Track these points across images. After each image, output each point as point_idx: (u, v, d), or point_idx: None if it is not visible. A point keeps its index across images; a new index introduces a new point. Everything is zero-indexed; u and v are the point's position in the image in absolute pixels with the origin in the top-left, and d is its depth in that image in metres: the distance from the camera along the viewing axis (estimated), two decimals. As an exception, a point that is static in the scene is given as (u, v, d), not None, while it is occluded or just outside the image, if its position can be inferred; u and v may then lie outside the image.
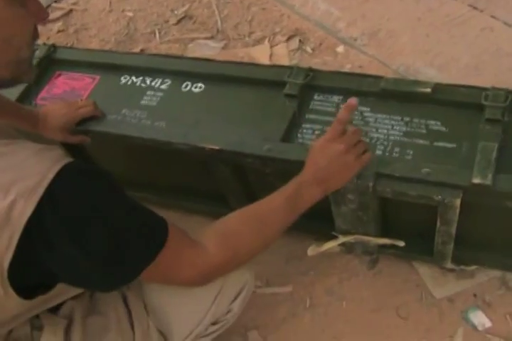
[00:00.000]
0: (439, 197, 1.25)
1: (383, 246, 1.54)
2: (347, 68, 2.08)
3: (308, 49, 2.17)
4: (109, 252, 0.91)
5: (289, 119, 1.44)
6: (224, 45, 2.26)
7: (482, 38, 2.04)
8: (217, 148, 1.40)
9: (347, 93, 1.47)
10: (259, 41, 2.25)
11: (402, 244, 1.49)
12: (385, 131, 1.40)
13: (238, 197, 1.58)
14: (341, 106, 1.45)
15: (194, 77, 1.59)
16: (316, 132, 1.42)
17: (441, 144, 1.35)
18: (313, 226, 1.60)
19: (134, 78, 1.64)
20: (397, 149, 1.37)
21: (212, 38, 2.29)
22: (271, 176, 1.44)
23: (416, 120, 1.40)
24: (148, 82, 1.62)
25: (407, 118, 1.41)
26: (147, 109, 1.55)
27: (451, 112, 1.39)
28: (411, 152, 1.35)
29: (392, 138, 1.38)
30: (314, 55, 2.15)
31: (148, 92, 1.59)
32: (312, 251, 1.53)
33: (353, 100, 1.19)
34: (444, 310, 1.52)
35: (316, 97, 1.49)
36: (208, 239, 1.08)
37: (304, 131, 1.43)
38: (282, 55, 2.17)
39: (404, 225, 1.50)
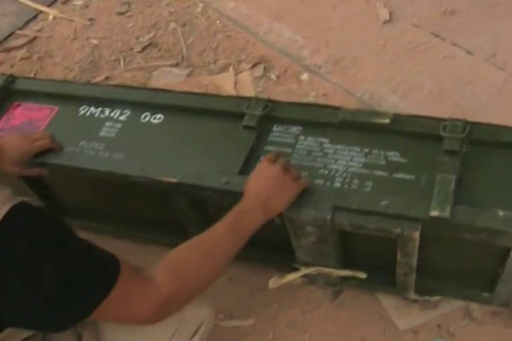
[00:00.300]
0: (398, 230, 1.24)
1: (346, 278, 1.52)
2: (311, 96, 2.07)
3: (273, 76, 2.16)
4: (59, 291, 0.90)
5: (247, 151, 1.42)
6: (189, 73, 2.25)
7: (444, 66, 2.05)
8: (174, 181, 1.38)
9: (306, 124, 1.46)
10: (223, 68, 2.24)
11: (363, 275, 1.47)
12: (344, 163, 1.39)
13: (198, 229, 1.54)
14: (301, 137, 1.44)
15: (153, 107, 1.57)
16: (275, 164, 1.40)
17: (400, 176, 1.34)
18: (275, 257, 1.59)
19: (92, 109, 1.61)
20: (356, 181, 1.35)
21: (177, 65, 2.28)
22: (229, 209, 1.42)
23: (375, 151, 1.39)
24: (107, 112, 1.60)
25: (366, 150, 1.40)
26: (105, 141, 1.53)
27: (410, 143, 1.39)
28: (370, 184, 1.34)
29: (351, 169, 1.37)
30: (279, 83, 2.14)
31: (107, 123, 1.57)
32: (274, 283, 1.51)
33: None
34: (408, 341, 1.50)
35: (275, 129, 1.47)
36: (158, 271, 1.07)
37: (262, 163, 1.41)
38: (247, 82, 2.16)
39: (366, 256, 1.49)
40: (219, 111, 1.51)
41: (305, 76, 2.14)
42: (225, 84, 2.17)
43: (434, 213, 1.21)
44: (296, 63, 2.19)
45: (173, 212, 1.53)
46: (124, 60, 2.33)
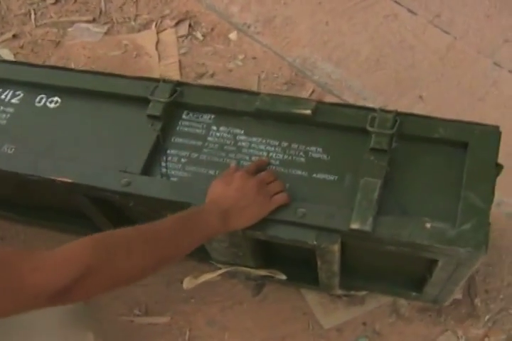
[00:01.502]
0: (315, 242, 1.11)
1: (267, 276, 1.40)
2: (239, 59, 1.89)
3: (199, 35, 1.96)
4: None
5: (152, 144, 1.25)
6: (107, 30, 2.02)
7: (385, 27, 1.87)
8: (69, 181, 1.21)
9: (219, 112, 1.29)
10: (145, 26, 2.02)
11: (283, 277, 1.37)
12: (260, 159, 1.23)
13: (104, 223, 1.41)
14: (213, 127, 1.27)
15: (50, 89, 1.37)
16: (183, 160, 1.24)
17: (321, 176, 1.20)
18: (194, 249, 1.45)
19: (-19, 89, 1.41)
20: (272, 182, 1.20)
21: (94, 21, 2.05)
22: (138, 206, 1.27)
23: (295, 145, 1.24)
24: (-4, 94, 1.39)
25: (285, 143, 1.24)
26: (-5, 129, 1.33)
27: (334, 137, 1.24)
28: (287, 185, 1.19)
29: (266, 168, 1.22)
30: (205, 43, 1.94)
31: (-3, 108, 1.37)
32: (188, 283, 1.39)
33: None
34: (332, 340, 1.41)
35: (184, 116, 1.30)
36: (81, 240, 0.93)
37: (169, 158, 1.25)
38: (170, 42, 1.96)
39: (288, 254, 1.37)
40: (123, 95, 1.33)
41: (233, 35, 1.95)
42: (147, 44, 1.96)
43: (355, 226, 1.09)
44: (225, 20, 1.98)
45: (77, 206, 1.37)
46: (36, 14, 2.08)
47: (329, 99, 1.73)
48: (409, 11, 1.89)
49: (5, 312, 0.86)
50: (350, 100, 1.71)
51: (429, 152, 1.19)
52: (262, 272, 1.37)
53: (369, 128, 1.18)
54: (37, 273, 0.86)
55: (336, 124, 1.23)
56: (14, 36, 2.03)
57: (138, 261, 0.97)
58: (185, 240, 1.05)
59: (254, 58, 1.88)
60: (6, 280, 0.84)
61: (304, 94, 1.76)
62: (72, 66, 1.94)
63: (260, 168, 1.20)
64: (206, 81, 1.84)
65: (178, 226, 1.03)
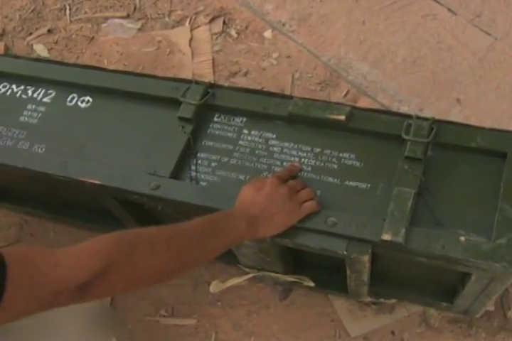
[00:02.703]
0: (344, 252, 1.09)
1: (295, 282, 1.38)
2: (273, 58, 1.86)
3: (233, 32, 1.94)
4: None
5: (182, 147, 1.24)
6: (141, 26, 2.01)
7: (423, 28, 1.83)
8: (98, 182, 1.21)
9: (251, 115, 1.27)
10: (179, 22, 2.00)
11: (311, 284, 1.35)
12: (291, 165, 1.21)
13: (132, 224, 1.40)
14: (244, 131, 1.26)
15: (81, 88, 1.37)
16: (213, 164, 1.23)
17: (353, 184, 1.18)
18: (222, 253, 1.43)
19: (14, 87, 1.41)
20: (302, 189, 1.18)
21: (128, 16, 2.04)
22: (166, 209, 1.26)
23: (327, 151, 1.22)
24: (30, 92, 1.39)
25: (317, 149, 1.22)
26: (26, 128, 1.34)
27: (368, 144, 1.22)
28: (318, 192, 1.17)
29: (298, 173, 1.20)
30: (239, 40, 1.92)
31: (29, 106, 1.37)
32: (215, 287, 1.38)
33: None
34: (360, 349, 1.39)
35: (215, 119, 1.29)
36: (105, 236, 0.93)
37: (199, 161, 1.24)
38: (204, 39, 1.94)
39: (317, 261, 1.35)
40: (154, 96, 1.32)
41: (268, 33, 1.92)
42: (180, 40, 1.94)
43: (386, 236, 1.06)
44: (259, 18, 1.95)
45: (105, 206, 1.37)
46: (70, 9, 2.08)
47: (364, 100, 1.70)
48: (449, 10, 1.84)
49: (28, 310, 0.85)
50: (385, 102, 1.68)
51: (466, 162, 1.16)
52: (290, 278, 1.36)
53: (404, 136, 1.15)
54: (59, 268, 0.86)
55: (370, 131, 1.21)
56: (49, 31, 2.03)
57: (161, 260, 0.96)
58: (211, 243, 1.03)
59: (288, 57, 1.86)
60: (28, 276, 0.83)
61: (338, 95, 1.73)
62: (105, 62, 1.93)
63: (292, 173, 1.18)
64: (239, 79, 1.82)
65: (205, 229, 1.02)
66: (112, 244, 0.92)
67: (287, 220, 1.09)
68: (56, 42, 2.00)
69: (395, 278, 1.34)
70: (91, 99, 1.36)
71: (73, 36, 2.01)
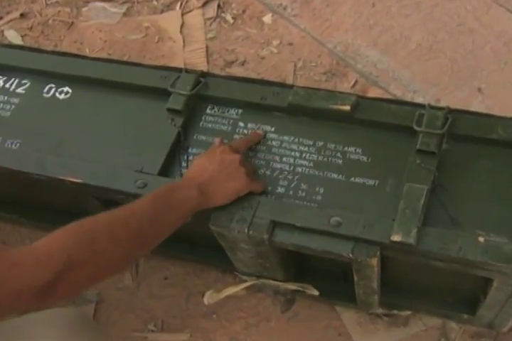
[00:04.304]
0: (350, 255, 1.12)
1: (298, 290, 1.41)
2: (274, 45, 1.90)
3: (229, 18, 1.98)
4: None
5: (172, 142, 1.28)
6: (126, 11, 2.05)
7: (440, 8, 1.86)
8: (79, 181, 1.24)
9: (247, 106, 1.31)
10: (169, 6, 2.04)
11: (316, 292, 1.37)
12: (292, 161, 1.26)
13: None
14: (240, 124, 1.30)
15: (59, 78, 1.41)
16: (205, 160, 1.26)
17: (359, 180, 1.21)
18: (216, 259, 1.47)
19: (-17, 77, 1.45)
20: (304, 186, 1.23)
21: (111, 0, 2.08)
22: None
23: (331, 145, 1.25)
24: (1, 83, 1.44)
25: (320, 143, 1.26)
26: (-2, 122, 1.37)
27: (376, 136, 1.25)
28: (321, 190, 1.21)
29: (299, 170, 1.24)
30: (236, 26, 1.96)
31: (1, 98, 1.41)
32: (210, 298, 1.41)
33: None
34: (370, 367, 1.42)
35: (208, 111, 1.32)
36: (56, 232, 0.98)
37: (191, 157, 1.28)
38: (196, 25, 1.98)
39: (321, 267, 1.38)
40: (141, 86, 1.36)
41: (268, 18, 1.96)
42: (170, 27, 1.99)
43: (397, 237, 1.09)
44: (258, 1, 1.99)
45: (87, 209, 1.40)
46: (47, -9, 2.13)
47: (374, 91, 1.73)
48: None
49: None
50: (398, 93, 1.71)
51: (485, 155, 1.19)
52: (292, 286, 1.38)
53: (416, 127, 1.19)
54: (17, 269, 0.89)
55: (378, 122, 1.24)
56: (22, 16, 2.07)
57: (123, 247, 1.01)
58: (166, 218, 1.08)
59: (290, 44, 1.90)
60: None
61: (346, 85, 1.77)
62: (87, 51, 1.97)
63: (249, 144, 1.25)
64: (236, 70, 1.85)
65: (157, 205, 1.07)
66: (71, 240, 0.96)
67: (239, 187, 1.15)
68: (31, 28, 2.04)
69: (409, 286, 1.37)
70: (70, 90, 1.40)
71: (50, 21, 2.05)
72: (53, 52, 1.47)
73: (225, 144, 1.21)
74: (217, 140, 1.24)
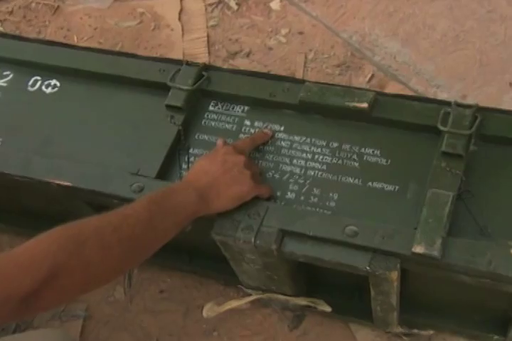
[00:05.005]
0: (367, 268, 1.13)
1: (308, 306, 1.43)
2: (282, 34, 1.91)
3: (233, 3, 1.99)
4: None
5: (171, 142, 1.29)
6: (118, -6, 2.07)
7: (468, -6, 1.88)
8: (68, 184, 1.26)
9: (254, 103, 1.32)
10: (166, -11, 2.06)
11: (328, 309, 1.39)
12: (303, 163, 1.27)
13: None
14: (246, 122, 1.31)
15: (46, 70, 1.42)
16: (208, 162, 1.28)
17: (377, 185, 1.23)
18: (218, 271, 1.51)
19: (-39, 69, 1.47)
20: (316, 191, 1.24)
21: (102, -18, 2.10)
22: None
23: (346, 146, 1.27)
24: (-19, 75, 1.45)
25: (334, 144, 1.27)
26: (-23, 118, 1.39)
27: (396, 137, 1.27)
28: (335, 196, 1.22)
29: (311, 173, 1.26)
30: (240, 13, 1.97)
31: (-19, 92, 1.43)
32: (209, 311, 1.43)
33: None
34: None
35: (211, 108, 1.34)
36: (43, 237, 0.99)
37: (192, 158, 1.29)
38: (197, 11, 1.99)
39: (334, 280, 1.40)
40: (136, 80, 1.37)
41: (275, 4, 1.98)
42: (167, 13, 2.00)
43: (419, 249, 1.10)
44: (265, -15, 2.01)
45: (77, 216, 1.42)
46: (29, -30, 2.14)
47: (393, 86, 1.74)
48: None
49: None
50: (420, 88, 1.73)
51: (516, 158, 1.20)
52: (302, 301, 1.40)
53: (441, 127, 1.20)
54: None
55: (399, 121, 1.25)
56: None
57: (113, 254, 1.02)
58: (162, 224, 1.09)
59: (300, 33, 1.91)
60: None
61: (362, 79, 1.78)
62: (75, 39, 1.99)
63: (257, 143, 1.26)
64: (240, 61, 1.87)
65: (152, 210, 1.08)
66: (56, 244, 0.96)
67: (243, 191, 1.16)
68: (11, 13, 2.05)
69: (431, 302, 1.38)
70: (58, 83, 1.42)
71: (33, 5, 2.07)
72: (38, 41, 1.49)
73: (229, 144, 1.23)
74: (220, 140, 1.25)
